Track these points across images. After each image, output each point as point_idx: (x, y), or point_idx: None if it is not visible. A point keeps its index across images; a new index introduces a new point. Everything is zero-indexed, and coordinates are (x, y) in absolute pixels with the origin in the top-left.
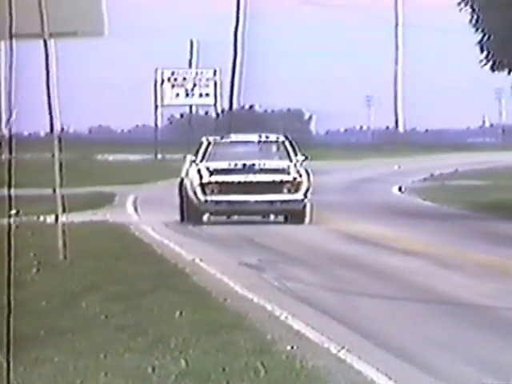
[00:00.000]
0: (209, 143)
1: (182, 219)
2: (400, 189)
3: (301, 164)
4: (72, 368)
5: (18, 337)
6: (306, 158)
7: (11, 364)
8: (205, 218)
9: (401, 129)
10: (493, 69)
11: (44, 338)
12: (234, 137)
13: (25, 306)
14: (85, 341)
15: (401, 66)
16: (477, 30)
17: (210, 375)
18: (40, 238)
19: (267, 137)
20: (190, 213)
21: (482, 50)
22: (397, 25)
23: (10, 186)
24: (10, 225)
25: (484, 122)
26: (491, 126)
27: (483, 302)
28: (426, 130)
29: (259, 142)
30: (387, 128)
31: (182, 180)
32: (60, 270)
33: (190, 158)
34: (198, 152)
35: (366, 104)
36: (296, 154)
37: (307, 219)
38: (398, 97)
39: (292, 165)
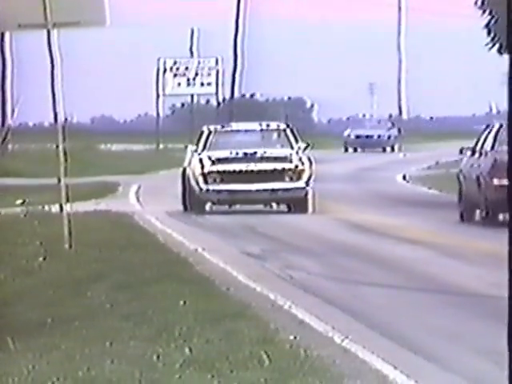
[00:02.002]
0: (209, 132)
1: (185, 209)
2: (404, 177)
3: (303, 151)
4: (79, 355)
5: (25, 324)
6: (308, 145)
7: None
8: (207, 207)
9: (405, 116)
10: (500, 51)
11: (51, 325)
12: (234, 125)
13: (32, 293)
14: (91, 329)
15: (404, 52)
16: (483, 12)
17: (214, 364)
18: (46, 227)
19: (268, 125)
20: (192, 202)
21: (488, 33)
22: (400, 9)
23: None
24: None
25: (491, 108)
26: (498, 112)
27: (491, 291)
28: (431, 118)
29: (260, 130)
30: (390, 116)
31: (184, 170)
32: (65, 258)
33: (191, 147)
34: (198, 141)
35: (368, 91)
36: (297, 142)
37: (310, 208)
38: (401, 83)
39: (294, 152)
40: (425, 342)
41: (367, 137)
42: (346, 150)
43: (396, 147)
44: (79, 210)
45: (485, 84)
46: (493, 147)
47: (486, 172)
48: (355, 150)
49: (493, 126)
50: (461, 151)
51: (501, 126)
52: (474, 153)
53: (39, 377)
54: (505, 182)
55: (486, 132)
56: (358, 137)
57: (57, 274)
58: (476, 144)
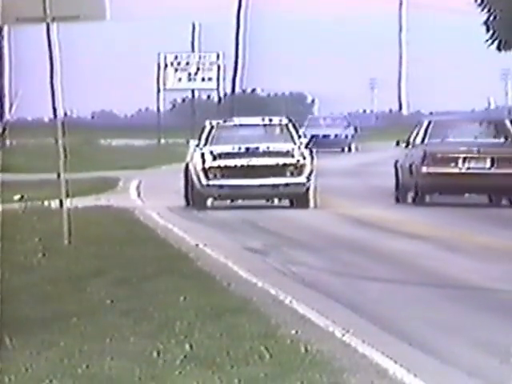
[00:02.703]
0: (212, 127)
1: (187, 204)
2: None
3: (305, 147)
4: (78, 352)
5: (24, 321)
6: (310, 140)
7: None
8: (208, 202)
9: (405, 111)
10: (499, 48)
11: (50, 322)
12: (237, 120)
13: (30, 290)
14: (90, 325)
15: (405, 48)
16: (482, 9)
17: (215, 359)
18: (45, 222)
19: (270, 120)
20: (194, 197)
21: (487, 30)
22: (401, 4)
23: None
24: None
25: (489, 103)
26: (497, 107)
27: (489, 285)
28: (431, 113)
29: (263, 125)
30: (390, 111)
31: (187, 165)
32: (65, 254)
33: (192, 142)
34: (200, 136)
35: (369, 87)
36: (300, 137)
37: (311, 203)
38: (402, 79)
39: (296, 147)
40: (424, 336)
41: (324, 136)
42: None
43: (353, 147)
44: (79, 206)
45: (484, 79)
46: (423, 141)
47: (417, 161)
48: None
49: (422, 123)
50: (397, 143)
51: (429, 122)
52: (407, 145)
53: (37, 374)
54: (431, 169)
55: (417, 128)
56: (313, 136)
57: (56, 270)
58: (409, 138)
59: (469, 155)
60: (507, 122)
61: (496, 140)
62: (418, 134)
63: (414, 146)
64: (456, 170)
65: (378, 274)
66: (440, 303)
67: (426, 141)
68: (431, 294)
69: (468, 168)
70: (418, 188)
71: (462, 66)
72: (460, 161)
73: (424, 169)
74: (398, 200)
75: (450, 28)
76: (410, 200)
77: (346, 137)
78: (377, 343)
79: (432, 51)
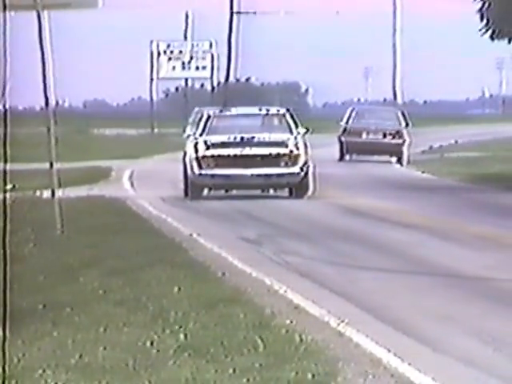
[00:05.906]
0: (208, 116)
1: (186, 195)
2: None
3: (302, 136)
4: (71, 342)
5: (16, 311)
6: (308, 130)
7: (7, 338)
8: (204, 192)
9: (399, 100)
10: (492, 37)
11: (42, 312)
12: (233, 110)
13: (22, 280)
14: (84, 315)
15: (399, 36)
16: None
17: (209, 349)
18: (37, 212)
19: (268, 110)
20: (188, 187)
21: (481, 19)
22: None
23: (6, 161)
24: (5, 199)
25: (483, 92)
26: (491, 96)
27: (483, 273)
28: (425, 102)
29: (260, 115)
30: (385, 100)
31: (185, 154)
32: (57, 244)
33: (189, 130)
34: (197, 125)
35: (363, 76)
36: (297, 127)
37: (307, 193)
38: (396, 68)
39: (292, 137)
40: (419, 325)
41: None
42: None
43: None
44: (71, 196)
45: (479, 68)
46: (347, 121)
47: (341, 133)
48: None
49: (347, 111)
50: (337, 122)
51: (352, 110)
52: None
53: (30, 364)
54: (347, 139)
55: (353, 113)
56: None
57: (48, 260)
58: (341, 119)
59: (369, 130)
60: (398, 112)
61: (390, 122)
62: (344, 116)
63: (342, 124)
64: (361, 140)
65: (372, 264)
66: (434, 292)
67: (349, 121)
68: (425, 283)
69: (369, 138)
70: (342, 150)
71: (456, 55)
72: (364, 133)
73: (342, 138)
74: (341, 158)
75: (445, 16)
76: (347, 158)
77: None
78: (371, 332)
79: (427, 40)
